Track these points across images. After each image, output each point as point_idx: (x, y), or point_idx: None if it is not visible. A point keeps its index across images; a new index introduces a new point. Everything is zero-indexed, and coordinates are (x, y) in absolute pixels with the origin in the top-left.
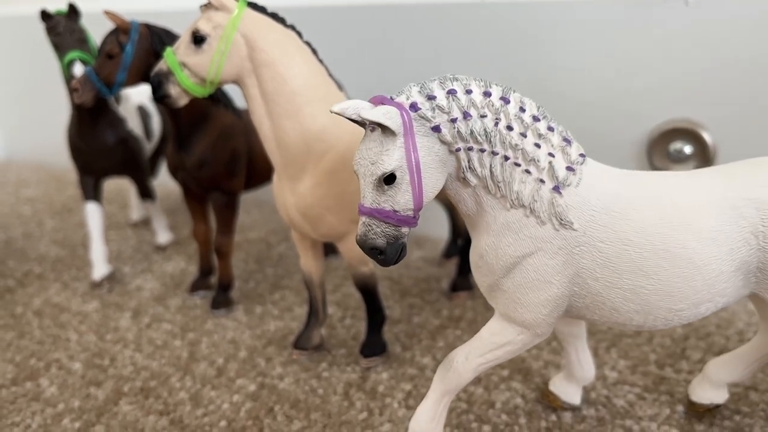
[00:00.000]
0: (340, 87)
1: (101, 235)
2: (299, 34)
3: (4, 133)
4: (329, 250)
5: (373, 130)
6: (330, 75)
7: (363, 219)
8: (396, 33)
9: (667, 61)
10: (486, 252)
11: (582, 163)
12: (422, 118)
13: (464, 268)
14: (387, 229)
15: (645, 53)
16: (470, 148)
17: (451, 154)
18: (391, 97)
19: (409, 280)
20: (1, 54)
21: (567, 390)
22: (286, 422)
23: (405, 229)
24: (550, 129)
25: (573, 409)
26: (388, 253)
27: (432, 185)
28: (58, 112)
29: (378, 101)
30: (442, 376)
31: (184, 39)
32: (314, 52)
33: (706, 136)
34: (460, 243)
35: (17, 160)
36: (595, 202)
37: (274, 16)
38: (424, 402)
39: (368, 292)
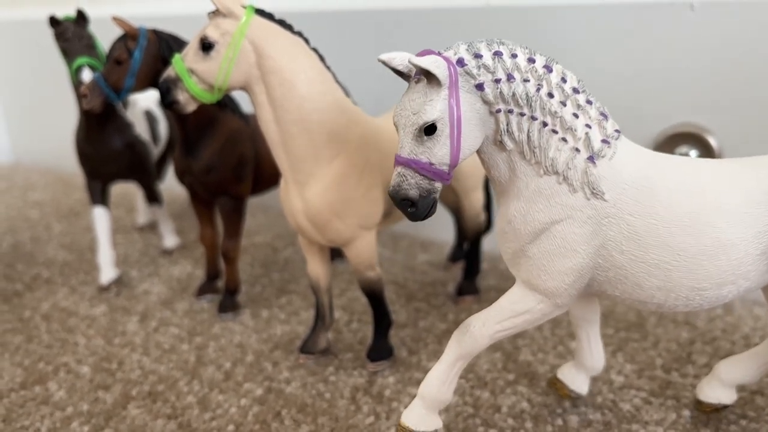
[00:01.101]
0: (346, 93)
1: (108, 239)
2: (306, 40)
3: (12, 136)
4: (336, 254)
5: (417, 82)
6: (337, 81)
7: (398, 169)
8: (402, 38)
9: (672, 65)
10: (515, 217)
11: (617, 138)
12: (467, 74)
13: (470, 272)
14: (421, 182)
15: (650, 57)
16: (510, 111)
17: (491, 115)
18: (438, 52)
19: (415, 285)
20: (10, 58)
21: (575, 378)
22: (293, 426)
23: (438, 184)
24: (589, 102)
25: (579, 396)
26: (419, 206)
27: (470, 142)
28: (66, 115)
29: (425, 54)
30: (458, 340)
31: (193, 46)
32: (321, 58)
33: (712, 141)
34: (465, 247)
35: (25, 164)
36: (627, 176)
37: (282, 23)
38: (437, 366)
39: (375, 296)
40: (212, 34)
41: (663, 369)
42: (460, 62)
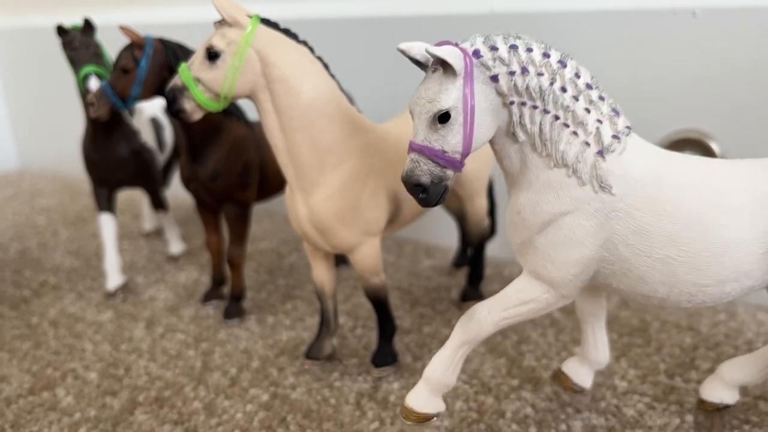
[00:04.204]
0: (351, 100)
1: (115, 245)
2: (311, 49)
3: (20, 143)
4: (340, 260)
5: (434, 71)
6: (341, 89)
7: (411, 156)
8: None
9: (675, 71)
10: (524, 207)
11: (627, 135)
12: (483, 65)
13: (474, 278)
14: (433, 168)
15: (653, 64)
16: (523, 103)
17: (504, 106)
18: (456, 43)
19: (420, 290)
20: (17, 65)
21: (579, 372)
22: None
23: (450, 172)
24: (601, 98)
25: (581, 390)
26: (430, 192)
27: (483, 132)
28: (72, 122)
29: (443, 44)
30: (463, 326)
31: (199, 55)
32: (326, 66)
33: (715, 147)
34: (470, 252)
35: (32, 170)
36: (635, 171)
37: (287, 32)
38: (441, 351)
39: (379, 302)
40: (218, 43)
41: (666, 374)
42: (476, 54)
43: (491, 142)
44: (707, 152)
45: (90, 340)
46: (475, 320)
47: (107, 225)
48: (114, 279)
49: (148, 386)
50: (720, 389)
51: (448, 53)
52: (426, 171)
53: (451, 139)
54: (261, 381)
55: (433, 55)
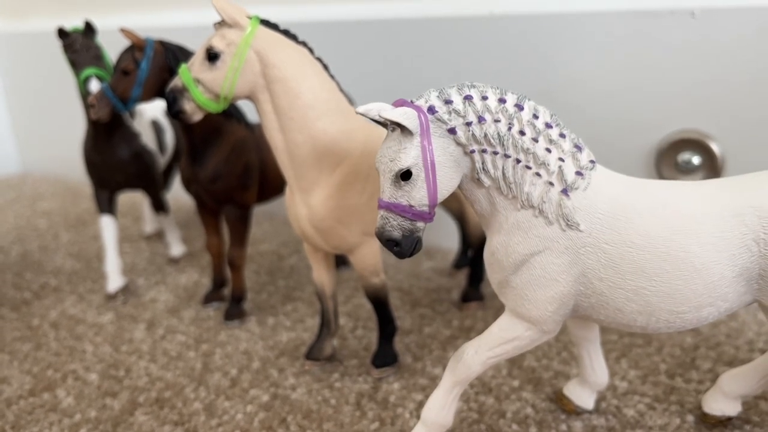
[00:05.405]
0: (350, 101)
1: (116, 247)
2: (311, 50)
3: (21, 146)
4: (340, 261)
5: (393, 131)
6: (341, 89)
7: (381, 212)
8: (406, 47)
9: (674, 72)
10: (497, 249)
11: (591, 169)
12: (439, 120)
13: (475, 279)
14: (403, 223)
15: (653, 64)
16: (484, 151)
17: (466, 155)
18: (411, 101)
19: (420, 291)
20: (19, 68)
21: (581, 394)
22: None
23: (420, 224)
24: (562, 136)
25: (585, 412)
26: (403, 245)
27: (446, 183)
28: (74, 125)
29: (399, 104)
30: (453, 368)
31: (199, 56)
32: (326, 67)
33: (715, 147)
34: (470, 254)
35: (33, 174)
36: (601, 205)
37: (286, 33)
38: (436, 391)
39: (379, 303)
40: (218, 44)
41: (667, 374)
42: (431, 110)
43: (460, 188)
44: (707, 152)
45: (90, 341)
46: (463, 361)
47: (108, 227)
48: (115, 281)
49: (148, 387)
50: (720, 401)
51: (401, 116)
52: (396, 226)
53: (415, 195)
54: (261, 382)
55: (387, 120)
